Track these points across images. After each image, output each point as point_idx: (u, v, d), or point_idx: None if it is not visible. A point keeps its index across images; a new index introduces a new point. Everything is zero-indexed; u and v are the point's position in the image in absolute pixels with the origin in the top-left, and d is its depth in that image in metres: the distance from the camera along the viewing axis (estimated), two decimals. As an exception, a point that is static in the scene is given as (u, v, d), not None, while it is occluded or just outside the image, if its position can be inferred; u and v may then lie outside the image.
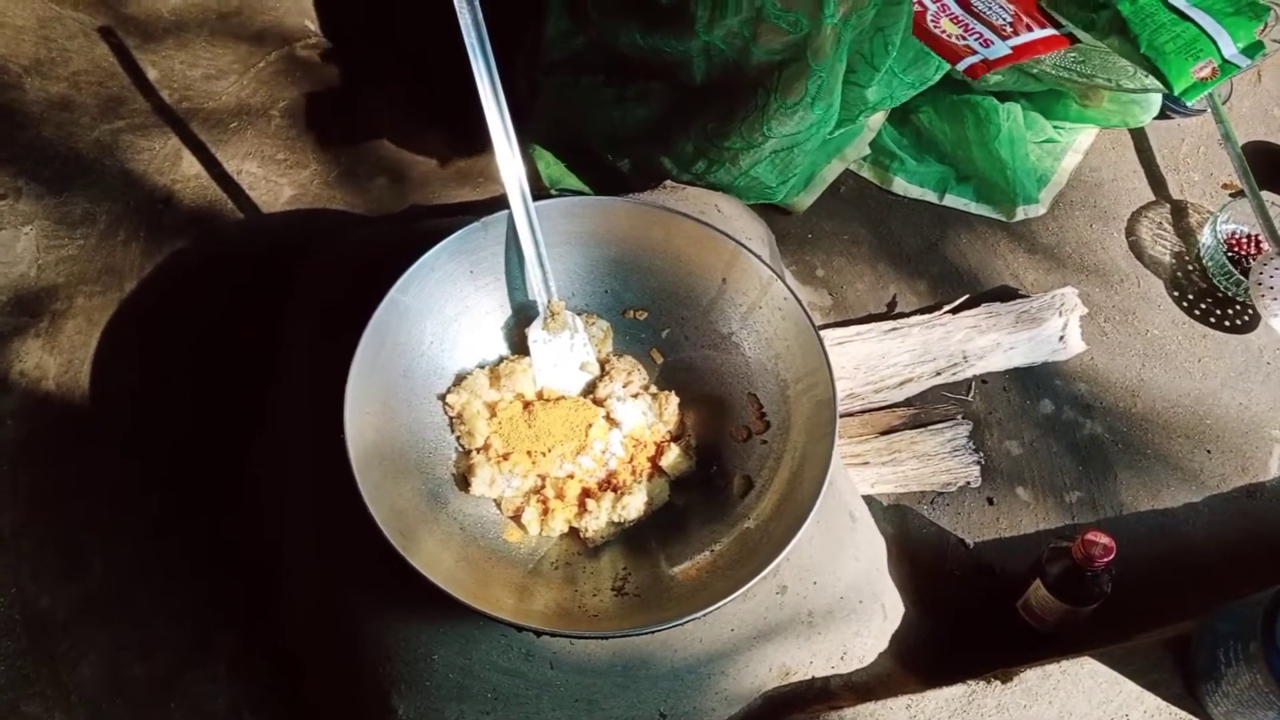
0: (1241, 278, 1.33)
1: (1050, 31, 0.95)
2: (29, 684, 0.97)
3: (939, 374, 1.24)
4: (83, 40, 1.28)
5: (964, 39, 0.95)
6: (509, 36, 0.79)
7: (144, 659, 1.00)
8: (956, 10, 0.97)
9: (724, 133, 1.14)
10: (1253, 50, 0.93)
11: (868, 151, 1.36)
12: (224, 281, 1.19)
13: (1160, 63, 0.92)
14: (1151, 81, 0.96)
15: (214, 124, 1.28)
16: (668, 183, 1.20)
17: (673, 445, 1.01)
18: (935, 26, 0.96)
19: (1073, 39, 0.96)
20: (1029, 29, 0.95)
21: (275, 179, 1.26)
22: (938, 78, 1.14)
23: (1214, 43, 0.93)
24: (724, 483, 1.00)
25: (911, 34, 1.06)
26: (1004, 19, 0.95)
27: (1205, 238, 1.38)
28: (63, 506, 1.05)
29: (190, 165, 1.25)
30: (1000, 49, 0.94)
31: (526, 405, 1.00)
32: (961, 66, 0.94)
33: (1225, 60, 0.93)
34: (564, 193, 1.29)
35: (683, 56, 1.11)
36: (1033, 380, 1.28)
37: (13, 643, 0.98)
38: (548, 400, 1.01)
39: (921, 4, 0.97)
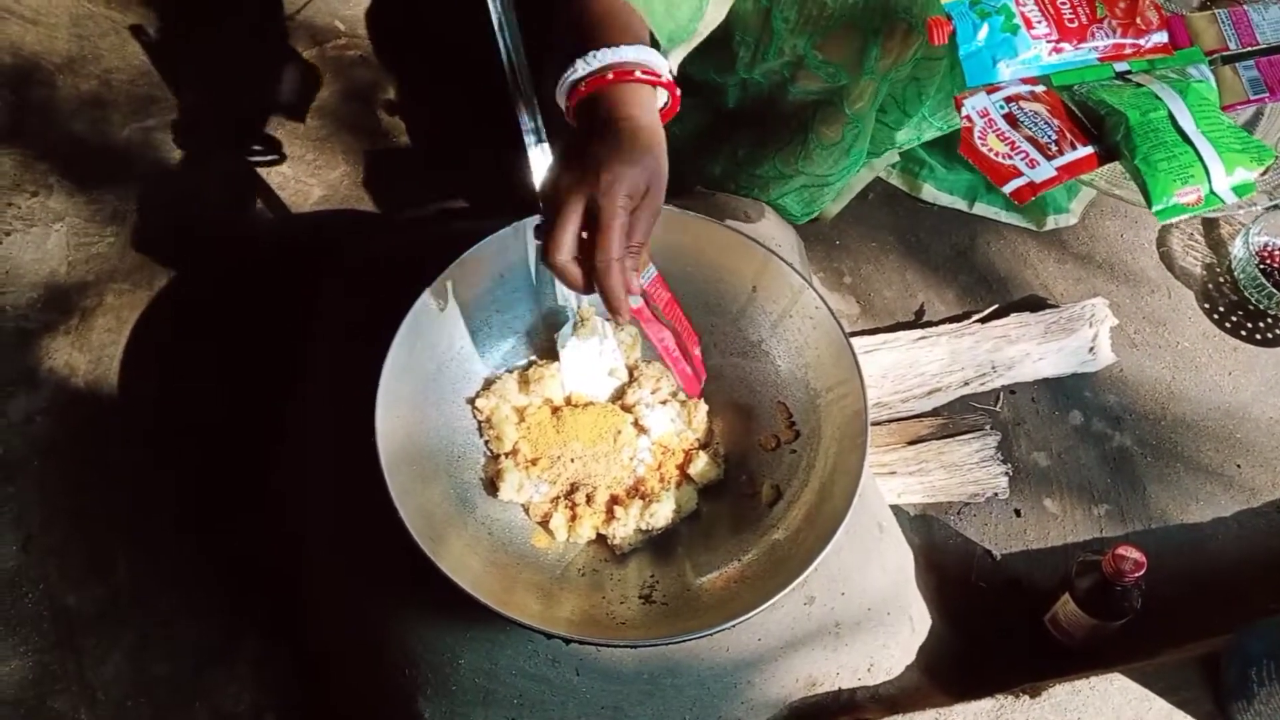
0: (1274, 290, 1.31)
1: (1090, 150, 0.95)
2: (56, 680, 0.98)
3: (967, 384, 1.23)
4: (115, 38, 1.28)
5: (1010, 158, 0.94)
6: (541, 39, 0.79)
7: (168, 658, 1.00)
8: (1003, 127, 0.95)
9: (756, 160, 1.14)
10: (1242, 190, 0.95)
11: (897, 159, 1.35)
12: (253, 281, 1.19)
13: (1148, 176, 0.93)
14: (1133, 190, 0.96)
15: (244, 124, 1.28)
16: (697, 188, 1.20)
17: (701, 453, 1.00)
18: (982, 144, 0.95)
19: (1101, 158, 0.96)
20: (1072, 147, 0.95)
21: (305, 179, 1.26)
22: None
23: (1207, 173, 0.93)
24: (752, 492, 0.99)
25: (944, 87, 1.06)
26: (1049, 136, 0.95)
27: (1237, 250, 1.36)
28: (89, 504, 1.05)
29: (220, 164, 1.25)
30: (1046, 170, 0.94)
31: (555, 410, 1.00)
32: (1008, 189, 0.94)
33: (1212, 192, 0.94)
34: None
35: (719, 84, 1.11)
36: (1062, 391, 1.27)
37: (41, 639, 0.99)
38: (576, 406, 1.00)
39: (970, 120, 0.96)
